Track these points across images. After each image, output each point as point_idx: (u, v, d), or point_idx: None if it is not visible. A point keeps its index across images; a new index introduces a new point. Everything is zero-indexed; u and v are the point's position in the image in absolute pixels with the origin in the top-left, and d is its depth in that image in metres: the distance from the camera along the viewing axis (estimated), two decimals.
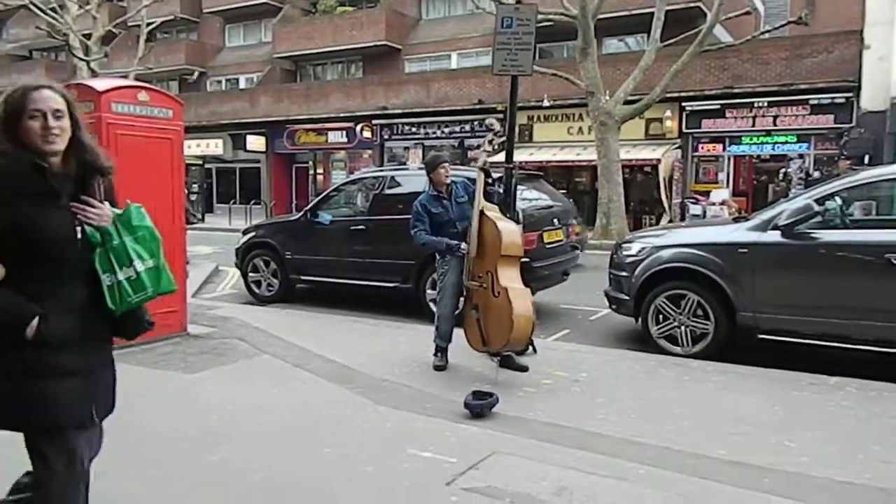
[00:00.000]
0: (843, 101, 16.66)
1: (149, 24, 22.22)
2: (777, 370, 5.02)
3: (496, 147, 5.16)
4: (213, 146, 27.99)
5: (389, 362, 5.25)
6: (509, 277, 4.73)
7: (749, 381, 4.80)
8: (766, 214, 5.54)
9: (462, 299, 5.08)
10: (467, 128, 22.41)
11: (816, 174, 16.37)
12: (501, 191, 5.19)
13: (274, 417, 4.06)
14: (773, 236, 5.30)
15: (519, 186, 6.17)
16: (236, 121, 26.79)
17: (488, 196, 4.94)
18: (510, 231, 4.79)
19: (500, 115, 20.18)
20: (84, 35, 20.39)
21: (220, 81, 31.12)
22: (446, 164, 5.13)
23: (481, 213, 4.83)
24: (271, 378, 4.90)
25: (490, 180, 4.95)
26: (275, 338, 6.06)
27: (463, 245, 4.89)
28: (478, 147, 22.42)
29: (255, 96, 27.05)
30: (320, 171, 27.03)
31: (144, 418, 4.03)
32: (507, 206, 5.23)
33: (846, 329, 5.14)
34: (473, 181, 5.02)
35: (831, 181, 5.73)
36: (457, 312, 5.12)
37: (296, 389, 4.63)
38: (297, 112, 25.52)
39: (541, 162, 19.47)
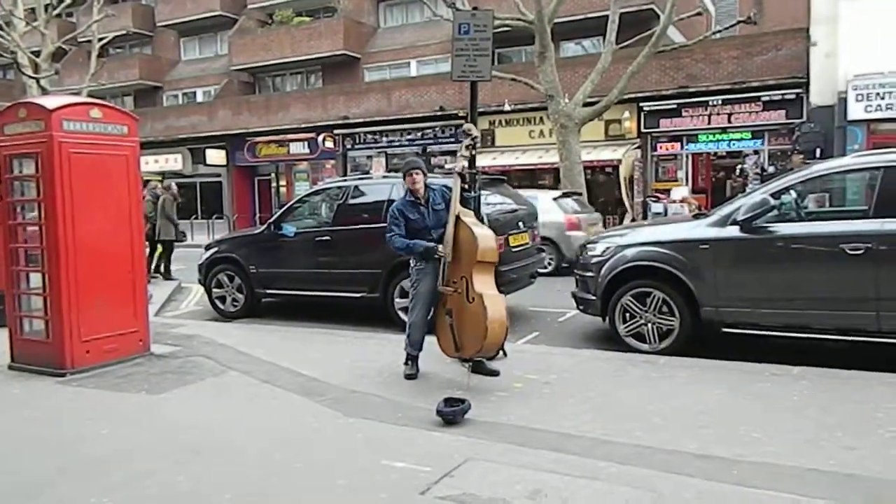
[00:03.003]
0: (793, 97, 17.13)
1: (100, 40, 21.76)
2: (742, 362, 5.12)
3: (474, 152, 5.12)
4: (172, 161, 27.49)
5: (359, 373, 5.20)
6: (484, 283, 4.72)
7: (715, 374, 4.87)
8: (724, 210, 5.65)
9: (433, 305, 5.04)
10: (430, 135, 22.43)
11: (771, 169, 16.78)
12: (476, 195, 5.15)
13: (243, 434, 3.98)
14: (732, 231, 5.40)
15: (482, 191, 6.18)
16: (195, 135, 26.38)
17: (465, 202, 4.89)
18: (486, 237, 4.77)
19: (462, 121, 20.28)
20: (33, 52, 19.87)
21: (176, 95, 30.61)
22: (413, 172, 4.99)
23: (457, 218, 4.80)
24: (239, 395, 4.81)
25: (466, 186, 4.90)
26: (241, 354, 5.96)
27: (440, 247, 4.82)
28: (441, 154, 22.51)
29: (213, 109, 26.67)
30: (283, 183, 26.74)
31: (107, 441, 3.92)
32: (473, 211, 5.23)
33: (806, 319, 5.26)
34: (451, 188, 5.00)
35: (786, 175, 5.87)
36: (429, 317, 5.08)
37: (264, 405, 4.56)
38: (257, 124, 25.24)
39: (504, 166, 19.57)
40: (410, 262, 5.11)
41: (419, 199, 5.01)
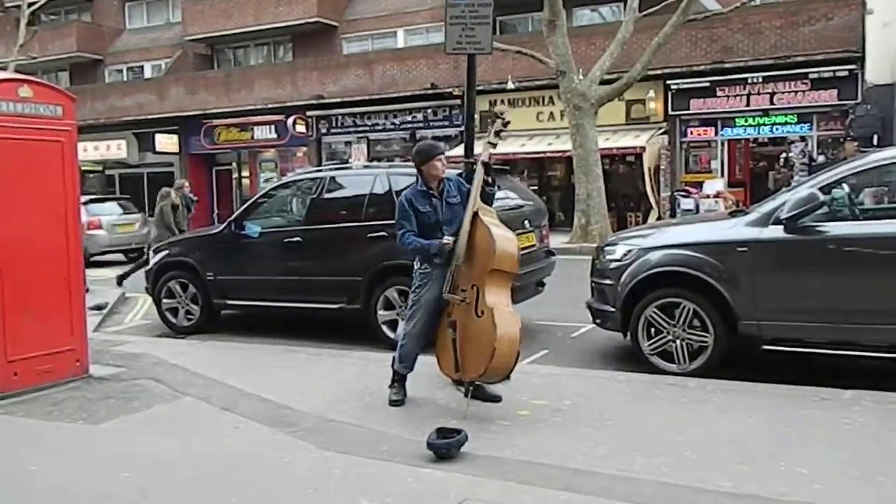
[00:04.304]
0: (846, 74, 17.23)
1: (31, 5, 21.73)
2: (785, 385, 5.15)
3: (502, 137, 5.08)
4: (115, 148, 27.44)
5: (336, 398, 5.20)
6: (497, 296, 4.72)
7: (754, 399, 4.90)
8: (766, 207, 5.68)
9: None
10: (419, 117, 22.47)
11: (821, 158, 16.86)
12: (497, 191, 5.13)
13: (199, 471, 3.98)
14: (775, 232, 5.43)
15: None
16: (142, 117, 26.34)
17: (485, 197, 4.89)
18: (506, 241, 4.77)
19: (458, 101, 20.32)
20: None
21: (120, 70, 30.58)
22: (443, 157, 5.01)
23: (475, 215, 4.79)
24: (194, 425, 4.81)
25: (490, 178, 4.89)
26: (197, 376, 5.96)
27: (447, 239, 4.79)
28: (433, 140, 22.50)
29: (163, 87, 26.64)
30: (246, 173, 26.73)
31: (38, 479, 3.92)
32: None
33: (861, 334, 5.30)
34: (467, 179, 4.99)
35: (838, 166, 5.91)
36: (430, 332, 5.07)
37: (224, 437, 4.55)
38: (216, 104, 25.22)
39: (506, 154, 19.57)
40: (415, 263, 5.12)
41: (432, 190, 5.02)
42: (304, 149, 24.80)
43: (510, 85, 19.65)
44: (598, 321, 6.46)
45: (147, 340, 7.76)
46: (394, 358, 5.16)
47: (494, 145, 4.98)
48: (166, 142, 26.42)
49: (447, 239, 4.82)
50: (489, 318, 4.61)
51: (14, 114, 5.45)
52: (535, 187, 19.96)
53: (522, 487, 3.61)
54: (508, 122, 5.02)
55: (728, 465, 3.80)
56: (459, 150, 16.58)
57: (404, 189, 5.35)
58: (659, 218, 18.23)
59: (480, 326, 4.65)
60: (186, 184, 13.34)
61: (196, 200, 14.02)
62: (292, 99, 23.86)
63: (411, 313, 5.10)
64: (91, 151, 26.61)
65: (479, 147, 4.94)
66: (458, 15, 6.10)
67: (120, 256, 16.89)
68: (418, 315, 5.03)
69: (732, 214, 6.26)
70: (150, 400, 5.38)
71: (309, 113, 23.94)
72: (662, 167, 19.48)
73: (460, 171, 5.70)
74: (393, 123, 23.02)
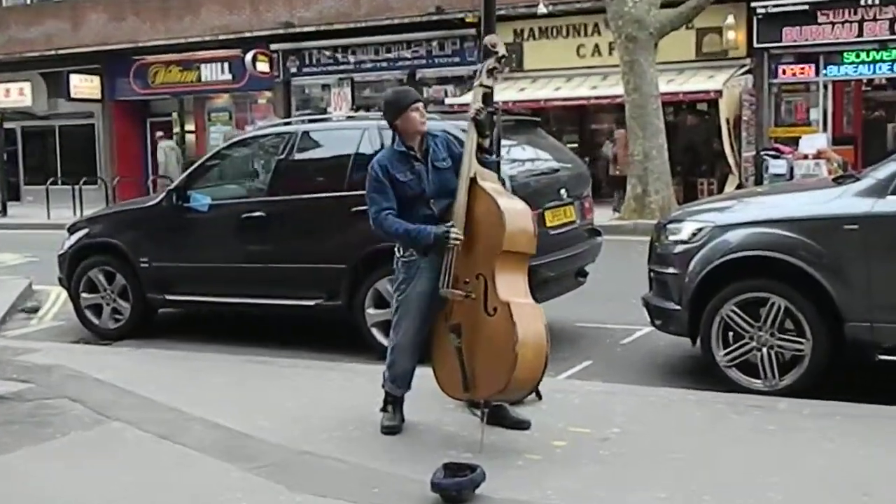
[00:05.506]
0: None
1: None
2: None
3: (497, 78, 5.08)
4: (16, 93, 27.46)
5: (311, 425, 5.23)
6: (513, 286, 4.72)
7: (864, 425, 4.90)
8: (883, 171, 5.66)
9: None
10: (421, 52, 22.39)
11: None
12: (494, 159, 5.12)
13: None
14: (895, 204, 5.43)
15: (504, 140, 6.19)
16: (51, 52, 26.33)
17: (483, 164, 4.89)
18: (518, 212, 4.78)
19: (472, 31, 20.26)
20: None
21: None
22: (420, 106, 4.99)
23: (472, 182, 4.79)
24: (124, 457, 4.84)
25: (487, 132, 4.90)
26: (128, 394, 5.99)
27: (454, 229, 4.73)
28: (438, 82, 22.42)
29: (79, 12, 26.60)
30: (191, 127, 26.71)
31: None
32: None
33: None
34: (452, 134, 5.00)
35: None
36: (423, 337, 5.10)
37: (163, 474, 4.58)
38: (150, 35, 25.19)
39: (537, 101, 19.53)
40: (396, 250, 5.11)
41: (413, 151, 5.01)
42: (268, 94, 24.77)
43: (542, 9, 19.51)
44: (657, 323, 6.47)
45: (61, 347, 7.79)
46: (384, 376, 5.17)
47: (489, 89, 4.96)
48: (84, 85, 26.38)
49: (455, 230, 4.74)
50: (505, 316, 4.60)
51: None
52: (575, 145, 19.89)
53: None
54: (504, 57, 5.00)
55: None
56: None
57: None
58: (740, 186, 18.16)
59: (494, 328, 4.65)
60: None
61: None
62: (251, 28, 23.80)
63: (398, 318, 5.10)
64: None
65: (469, 96, 4.95)
66: None
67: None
68: (407, 319, 5.03)
69: (838, 181, 6.24)
70: (67, 425, 5.40)
71: (273, 47, 23.87)
72: (745, 118, 19.38)
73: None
74: (386, 60, 22.95)
